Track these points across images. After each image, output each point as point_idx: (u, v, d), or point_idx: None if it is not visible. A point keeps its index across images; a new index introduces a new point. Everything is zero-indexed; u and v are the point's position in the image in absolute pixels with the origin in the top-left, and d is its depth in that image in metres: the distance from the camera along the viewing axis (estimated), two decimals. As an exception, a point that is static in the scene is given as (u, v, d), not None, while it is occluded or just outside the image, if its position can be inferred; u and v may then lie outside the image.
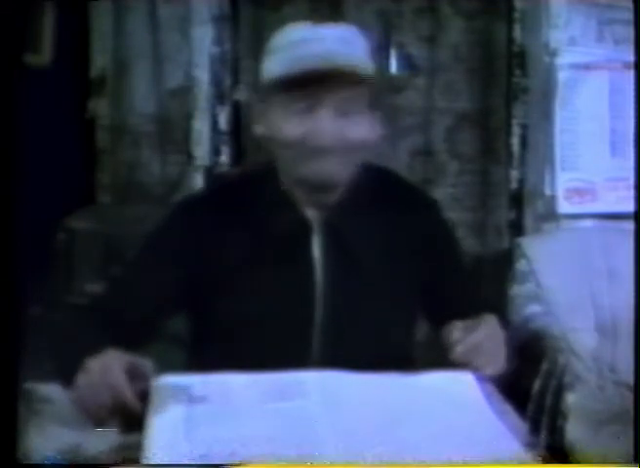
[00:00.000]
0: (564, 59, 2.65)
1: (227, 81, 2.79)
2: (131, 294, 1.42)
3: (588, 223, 2.70)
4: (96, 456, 1.08)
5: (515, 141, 2.75)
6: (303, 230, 1.42)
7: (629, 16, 2.45)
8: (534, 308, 2.41)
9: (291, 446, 1.03)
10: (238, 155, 2.81)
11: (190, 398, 1.15)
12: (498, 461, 1.02)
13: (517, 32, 2.73)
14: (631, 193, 2.56)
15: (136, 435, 1.07)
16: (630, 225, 2.27)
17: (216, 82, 2.78)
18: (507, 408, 1.15)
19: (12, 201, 1.13)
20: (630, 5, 2.41)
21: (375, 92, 1.40)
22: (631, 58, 2.47)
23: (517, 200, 2.76)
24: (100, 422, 1.15)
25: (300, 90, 1.33)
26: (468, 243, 2.87)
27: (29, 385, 1.23)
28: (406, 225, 1.46)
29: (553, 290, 2.44)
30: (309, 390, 1.16)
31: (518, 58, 2.73)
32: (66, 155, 2.66)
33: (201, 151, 2.80)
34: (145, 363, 1.18)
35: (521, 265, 2.52)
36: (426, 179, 2.86)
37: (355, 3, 2.84)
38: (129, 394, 1.13)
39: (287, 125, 1.35)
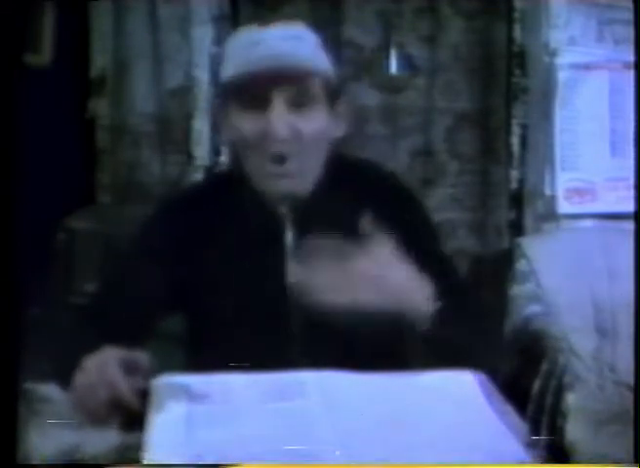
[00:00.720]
0: (564, 59, 2.65)
1: (227, 81, 2.79)
2: (119, 295, 1.44)
3: (588, 223, 2.70)
4: (96, 456, 1.08)
5: (515, 141, 2.75)
6: (276, 224, 1.44)
7: (629, 16, 2.45)
8: (534, 308, 2.41)
9: (291, 446, 1.03)
10: (238, 155, 2.81)
11: (190, 398, 1.15)
12: (498, 461, 1.02)
13: (517, 32, 2.73)
14: (631, 193, 2.56)
15: (136, 435, 1.07)
16: (630, 225, 2.27)
17: (216, 82, 2.78)
18: (507, 408, 1.15)
19: (12, 201, 1.13)
20: (630, 5, 2.41)
21: (332, 86, 1.42)
22: (631, 58, 2.47)
23: (517, 200, 2.76)
24: (98, 421, 1.15)
25: (252, 90, 1.37)
26: (468, 243, 2.87)
27: (29, 385, 1.23)
28: (379, 211, 1.40)
29: (553, 290, 2.44)
30: (309, 390, 1.16)
31: (518, 58, 2.73)
32: (66, 155, 2.66)
33: (201, 151, 2.80)
34: (141, 356, 1.19)
35: (521, 265, 2.52)
36: (426, 180, 2.86)
37: (355, 3, 2.84)
38: (125, 390, 1.14)
39: (244, 125, 1.39)
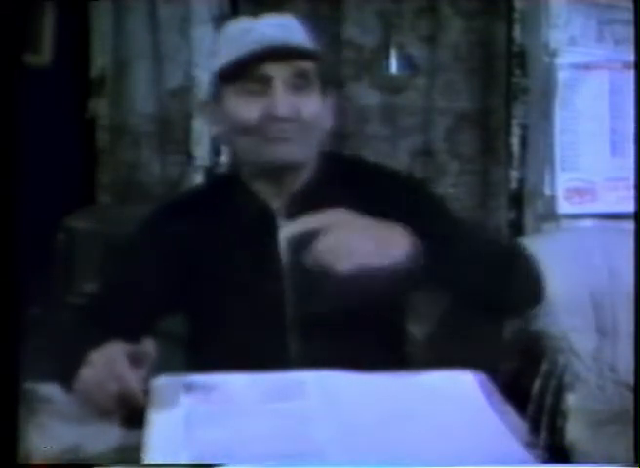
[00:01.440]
0: (564, 59, 2.65)
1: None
2: (119, 296, 1.46)
3: (588, 223, 2.70)
4: (96, 456, 1.08)
5: (515, 141, 2.74)
6: (269, 223, 1.45)
7: (629, 16, 2.45)
8: (534, 308, 2.41)
9: (291, 446, 1.03)
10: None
11: (190, 398, 1.15)
12: (498, 461, 1.02)
13: (517, 32, 2.72)
14: (631, 193, 2.56)
15: (136, 435, 1.07)
16: (630, 225, 2.27)
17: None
18: (507, 408, 1.15)
19: (12, 201, 1.13)
20: (630, 5, 2.41)
21: (323, 75, 1.45)
22: (631, 58, 2.47)
23: (517, 200, 2.76)
24: (104, 415, 1.15)
25: (250, 73, 1.39)
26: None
27: (29, 385, 1.23)
28: (377, 208, 1.40)
29: (553, 290, 2.44)
30: (309, 390, 1.16)
31: (518, 58, 2.73)
32: (66, 155, 2.66)
33: (201, 151, 2.80)
34: (148, 346, 1.19)
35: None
36: (426, 180, 2.86)
37: (355, 3, 2.84)
38: (134, 384, 1.14)
39: (243, 110, 1.41)
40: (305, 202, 1.42)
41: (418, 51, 2.86)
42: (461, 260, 1.35)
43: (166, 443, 1.04)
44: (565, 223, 2.70)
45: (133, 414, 1.13)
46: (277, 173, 1.46)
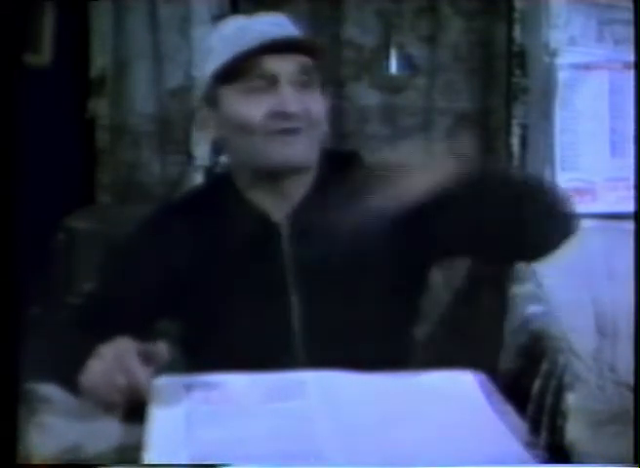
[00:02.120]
0: (564, 59, 2.65)
1: (227, 81, 2.79)
2: (115, 297, 1.43)
3: (588, 223, 2.69)
4: (96, 456, 1.08)
5: (515, 141, 2.74)
6: (269, 230, 1.41)
7: (629, 16, 2.45)
8: (534, 308, 2.41)
9: (291, 446, 1.03)
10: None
11: (190, 398, 1.15)
12: (498, 462, 1.02)
13: (517, 32, 2.72)
14: (631, 193, 2.56)
15: (136, 435, 1.07)
16: (630, 225, 2.27)
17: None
18: (507, 408, 1.15)
19: (12, 201, 1.13)
20: (630, 5, 2.41)
21: (323, 70, 1.40)
22: (631, 58, 2.47)
23: (517, 200, 2.75)
24: (109, 409, 1.15)
25: (250, 72, 1.34)
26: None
27: (29, 385, 1.23)
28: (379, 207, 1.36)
29: (553, 290, 2.44)
30: (309, 390, 1.16)
31: (518, 58, 2.73)
32: (66, 155, 2.66)
33: (201, 151, 2.79)
34: (160, 350, 1.18)
35: (521, 265, 2.52)
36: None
37: (355, 3, 2.84)
38: (142, 378, 1.14)
39: (245, 109, 1.35)
40: (310, 212, 1.40)
41: (418, 51, 2.86)
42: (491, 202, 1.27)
43: (166, 443, 1.04)
44: (565, 223, 2.69)
45: (136, 410, 1.13)
46: (279, 179, 1.39)
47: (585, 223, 2.67)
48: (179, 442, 1.04)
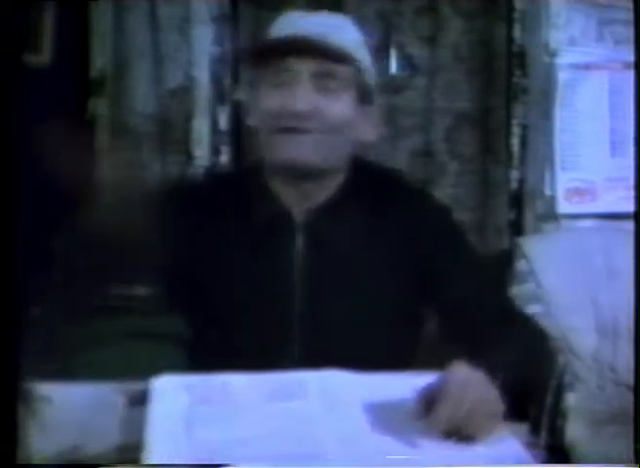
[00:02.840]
0: (564, 59, 2.65)
1: (227, 81, 2.79)
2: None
3: (588, 223, 2.70)
4: (96, 456, 1.08)
5: (515, 141, 2.74)
6: (287, 228, 1.41)
7: (629, 16, 2.45)
8: (534, 308, 2.41)
9: (291, 446, 1.03)
10: (238, 155, 2.81)
11: (191, 398, 1.15)
12: (498, 462, 1.02)
13: (517, 32, 2.73)
14: (631, 193, 2.56)
15: (136, 435, 1.07)
16: (630, 225, 2.27)
17: (216, 82, 2.78)
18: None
19: (12, 201, 1.13)
20: (630, 5, 2.41)
21: (366, 85, 1.39)
22: (631, 58, 2.47)
23: (517, 200, 2.76)
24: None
25: (276, 66, 1.34)
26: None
27: (29, 385, 1.23)
28: (402, 228, 1.41)
29: (553, 290, 2.44)
30: (309, 390, 1.16)
31: (518, 58, 2.73)
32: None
33: (201, 151, 2.80)
34: None
35: (521, 265, 2.52)
36: (426, 180, 2.86)
37: (355, 3, 2.84)
38: None
39: (267, 97, 1.36)
40: (328, 217, 1.39)
41: (418, 51, 2.86)
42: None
43: (166, 443, 1.04)
44: (565, 223, 2.70)
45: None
46: (299, 178, 1.38)
47: (585, 223, 2.69)
48: (179, 442, 1.04)
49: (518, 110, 2.73)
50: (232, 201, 1.44)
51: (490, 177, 2.87)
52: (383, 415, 1.11)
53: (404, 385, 1.19)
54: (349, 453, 1.02)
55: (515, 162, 2.75)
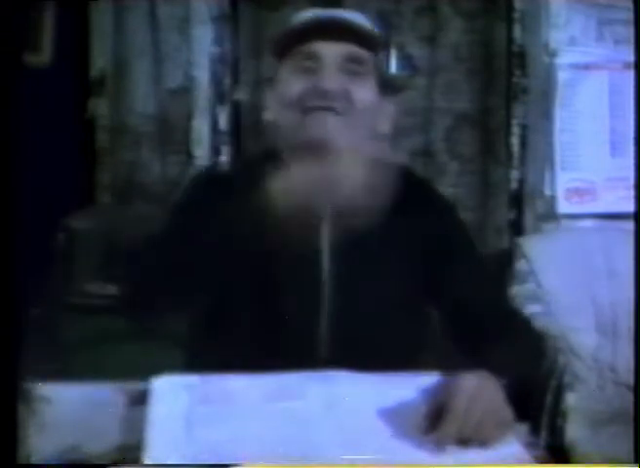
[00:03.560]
0: (564, 59, 2.65)
1: (227, 81, 2.79)
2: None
3: (588, 223, 2.70)
4: (96, 456, 1.08)
5: (515, 141, 2.75)
6: (312, 221, 1.36)
7: (629, 16, 2.45)
8: (534, 308, 2.41)
9: (291, 446, 1.03)
10: (238, 155, 2.81)
11: (191, 398, 1.15)
12: (498, 461, 1.02)
13: (517, 32, 2.73)
14: (631, 193, 2.57)
15: (136, 435, 1.07)
16: (630, 225, 2.27)
17: (216, 82, 2.78)
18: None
19: (12, 201, 1.13)
20: (630, 5, 2.41)
21: (385, 77, 1.41)
22: (631, 58, 2.47)
23: (517, 200, 2.76)
24: None
25: (301, 52, 1.35)
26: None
27: (29, 385, 1.23)
28: (411, 224, 1.40)
29: (553, 290, 2.44)
30: (309, 390, 1.16)
31: (518, 58, 2.73)
32: (66, 155, 2.66)
33: (201, 151, 2.80)
34: None
35: (521, 265, 2.52)
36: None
37: (355, 3, 2.84)
38: None
39: (291, 84, 1.36)
40: (352, 215, 1.33)
41: (418, 51, 2.86)
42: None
43: (166, 443, 1.04)
44: (565, 223, 2.70)
45: None
46: (321, 159, 1.30)
47: (585, 223, 2.69)
48: (178, 442, 1.04)
49: (518, 110, 2.73)
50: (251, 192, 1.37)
51: (490, 177, 2.87)
52: (384, 416, 1.11)
53: (405, 385, 1.19)
54: (349, 453, 1.02)
55: (515, 162, 2.75)
